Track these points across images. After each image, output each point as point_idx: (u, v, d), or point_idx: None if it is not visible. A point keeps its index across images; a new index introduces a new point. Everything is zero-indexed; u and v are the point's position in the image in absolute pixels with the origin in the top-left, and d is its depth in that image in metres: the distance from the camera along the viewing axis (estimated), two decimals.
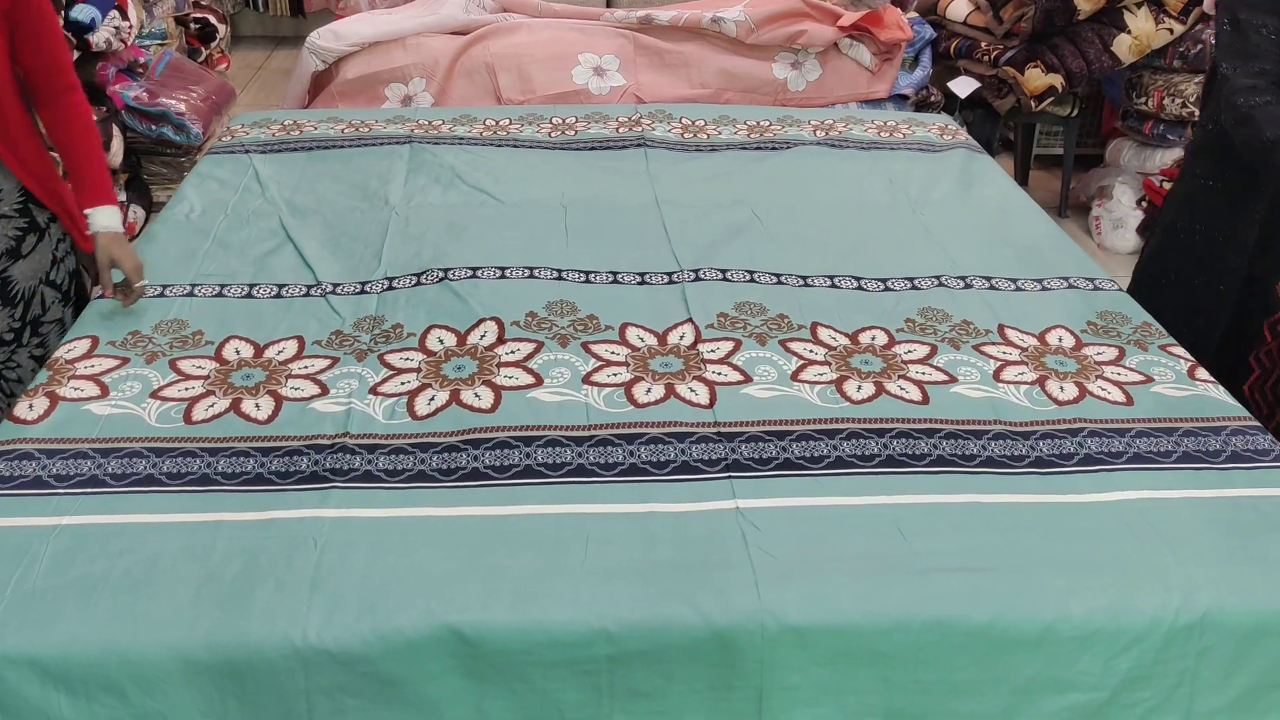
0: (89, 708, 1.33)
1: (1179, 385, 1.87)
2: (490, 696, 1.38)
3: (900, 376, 1.85)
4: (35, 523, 1.49)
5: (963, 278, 2.19)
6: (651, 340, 1.94)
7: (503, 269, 2.15)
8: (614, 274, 2.15)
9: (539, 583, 1.41)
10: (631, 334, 1.95)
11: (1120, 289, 2.20)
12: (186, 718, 1.34)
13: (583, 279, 2.13)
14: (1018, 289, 2.17)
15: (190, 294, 2.09)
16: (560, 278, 2.13)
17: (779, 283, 2.15)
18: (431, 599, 1.38)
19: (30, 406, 1.73)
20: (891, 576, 1.44)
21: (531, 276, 2.13)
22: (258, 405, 1.75)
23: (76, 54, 3.33)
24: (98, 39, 3.41)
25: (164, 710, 1.34)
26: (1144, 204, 3.93)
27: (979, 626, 1.40)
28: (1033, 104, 3.90)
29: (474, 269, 2.14)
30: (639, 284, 2.13)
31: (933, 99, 4.01)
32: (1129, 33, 3.71)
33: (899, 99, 3.78)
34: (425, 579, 1.42)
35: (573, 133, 2.94)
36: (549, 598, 1.40)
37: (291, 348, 1.92)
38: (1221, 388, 1.87)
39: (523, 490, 1.58)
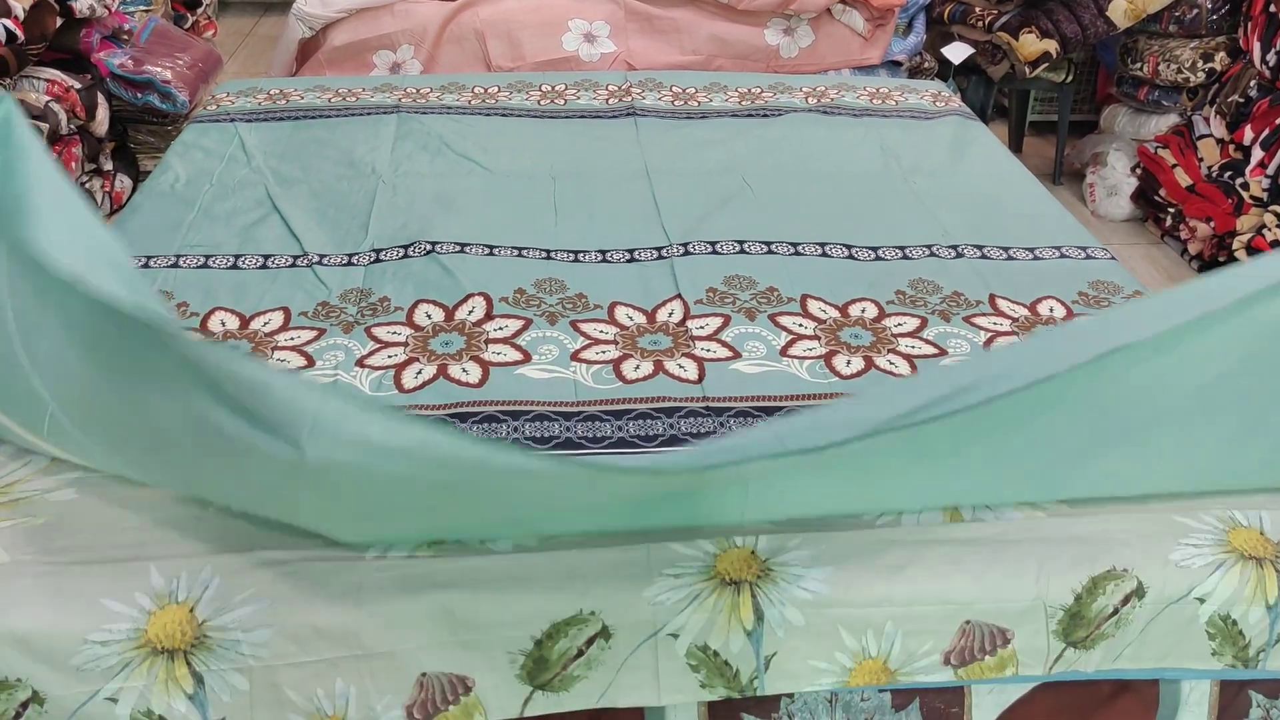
0: None
1: None
2: None
3: (890, 350, 1.84)
4: None
5: (954, 247, 2.18)
6: (640, 318, 1.92)
7: (491, 247, 2.13)
8: (603, 253, 2.14)
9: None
10: (620, 312, 1.93)
11: (1112, 258, 2.19)
12: None
13: (571, 258, 2.11)
14: (1009, 258, 2.15)
15: (175, 265, 2.07)
16: (549, 257, 2.11)
17: (769, 252, 2.13)
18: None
19: None
20: None
21: (520, 256, 2.11)
22: None
23: (60, 20, 3.28)
24: (81, 5, 3.36)
25: None
26: (1138, 171, 3.91)
27: None
28: (1027, 70, 3.88)
29: (462, 244, 2.12)
30: (627, 262, 2.11)
31: (926, 65, 3.98)
32: None
33: (892, 65, 3.76)
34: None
35: (562, 101, 2.91)
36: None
37: (278, 319, 1.90)
38: None
39: None
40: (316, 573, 1.29)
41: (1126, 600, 1.35)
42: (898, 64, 3.79)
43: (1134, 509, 1.42)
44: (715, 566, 1.32)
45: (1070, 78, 4.12)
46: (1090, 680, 1.41)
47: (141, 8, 4.12)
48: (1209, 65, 3.67)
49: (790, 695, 1.39)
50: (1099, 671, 1.38)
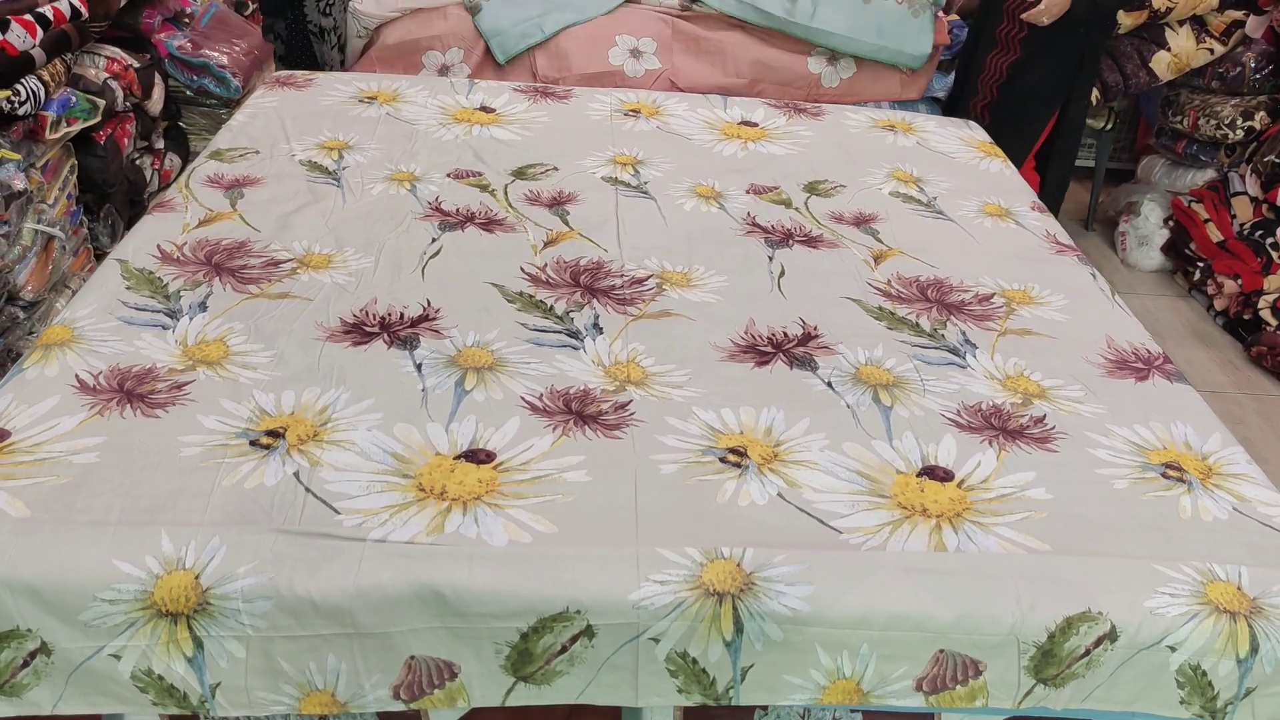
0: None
1: None
2: None
3: None
4: None
5: None
6: None
7: None
8: None
9: None
10: None
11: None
12: None
13: None
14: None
15: None
16: None
17: None
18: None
19: None
20: None
21: None
22: None
23: (124, 0, 3.38)
24: None
25: None
26: (1171, 223, 3.92)
27: None
28: None
29: None
30: None
31: None
32: (1169, 50, 3.70)
33: (931, 101, 3.79)
34: None
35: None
36: None
37: None
38: None
39: None
40: (318, 552, 1.35)
41: (1099, 642, 1.38)
42: (937, 100, 3.82)
43: (1116, 555, 1.45)
44: (701, 576, 1.37)
45: (1110, 125, 4.14)
46: (1058, 718, 1.44)
47: None
48: (1248, 123, 3.69)
49: (764, 707, 1.43)
50: (1067, 710, 1.42)
